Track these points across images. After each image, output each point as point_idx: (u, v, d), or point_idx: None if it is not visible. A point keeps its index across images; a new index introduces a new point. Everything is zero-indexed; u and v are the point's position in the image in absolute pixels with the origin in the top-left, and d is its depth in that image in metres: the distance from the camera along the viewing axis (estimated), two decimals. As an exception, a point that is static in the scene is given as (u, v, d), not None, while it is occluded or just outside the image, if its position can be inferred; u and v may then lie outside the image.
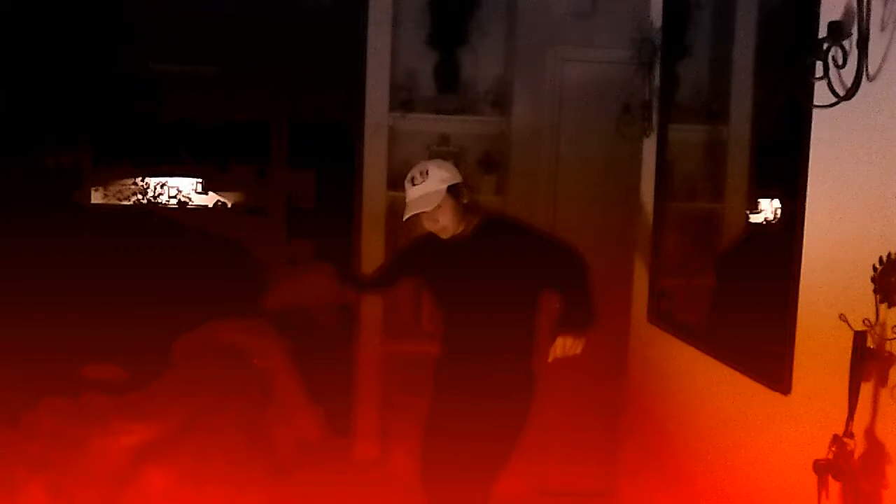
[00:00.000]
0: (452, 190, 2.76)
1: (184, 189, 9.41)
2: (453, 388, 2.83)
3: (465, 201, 2.80)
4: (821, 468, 1.69)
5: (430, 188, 2.74)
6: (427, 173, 2.77)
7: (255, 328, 5.06)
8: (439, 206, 2.74)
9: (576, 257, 2.77)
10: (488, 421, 2.70)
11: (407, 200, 2.81)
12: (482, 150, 4.33)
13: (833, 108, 1.72)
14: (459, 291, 2.79)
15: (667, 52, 2.96)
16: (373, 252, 4.28)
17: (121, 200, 9.08)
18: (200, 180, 9.45)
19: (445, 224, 2.78)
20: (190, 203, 9.37)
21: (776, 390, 2.03)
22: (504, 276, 2.70)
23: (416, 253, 3.05)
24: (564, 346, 2.59)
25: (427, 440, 2.92)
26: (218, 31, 5.93)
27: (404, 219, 2.80)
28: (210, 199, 9.43)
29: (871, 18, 1.63)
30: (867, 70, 1.65)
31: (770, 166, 2.64)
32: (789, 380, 1.98)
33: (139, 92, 7.36)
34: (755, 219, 2.78)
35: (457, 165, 3.00)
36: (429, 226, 2.82)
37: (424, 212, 2.76)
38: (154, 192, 9.31)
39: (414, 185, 2.78)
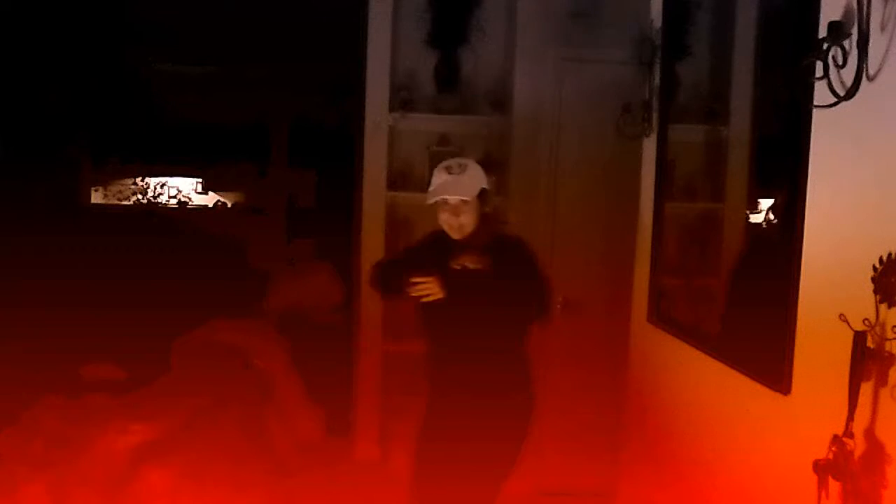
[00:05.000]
0: (482, 194, 2.78)
1: (184, 189, 9.42)
2: (449, 392, 2.83)
3: (486, 209, 2.81)
4: (821, 468, 1.69)
5: (466, 181, 2.75)
6: (466, 168, 2.78)
7: (255, 328, 5.07)
8: (466, 203, 2.73)
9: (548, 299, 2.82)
10: (485, 430, 2.70)
11: (435, 185, 2.79)
12: (482, 150, 4.31)
13: (833, 108, 1.72)
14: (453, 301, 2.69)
15: (667, 52, 2.95)
16: (373, 252, 4.28)
17: (121, 200, 9.09)
18: (200, 180, 9.46)
19: (463, 223, 2.76)
20: (190, 203, 9.38)
21: (776, 390, 2.03)
22: (497, 296, 2.64)
23: (424, 250, 2.99)
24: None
25: (423, 444, 2.91)
26: (218, 31, 5.93)
27: (430, 201, 2.77)
28: (210, 199, 9.45)
29: (871, 18, 1.63)
30: (867, 70, 1.65)
31: (770, 166, 2.63)
32: (789, 380, 1.98)
33: (139, 92, 7.37)
34: (755, 219, 2.78)
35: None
36: (445, 219, 2.78)
37: (449, 202, 2.74)
38: (154, 192, 9.33)
39: (450, 173, 2.77)
